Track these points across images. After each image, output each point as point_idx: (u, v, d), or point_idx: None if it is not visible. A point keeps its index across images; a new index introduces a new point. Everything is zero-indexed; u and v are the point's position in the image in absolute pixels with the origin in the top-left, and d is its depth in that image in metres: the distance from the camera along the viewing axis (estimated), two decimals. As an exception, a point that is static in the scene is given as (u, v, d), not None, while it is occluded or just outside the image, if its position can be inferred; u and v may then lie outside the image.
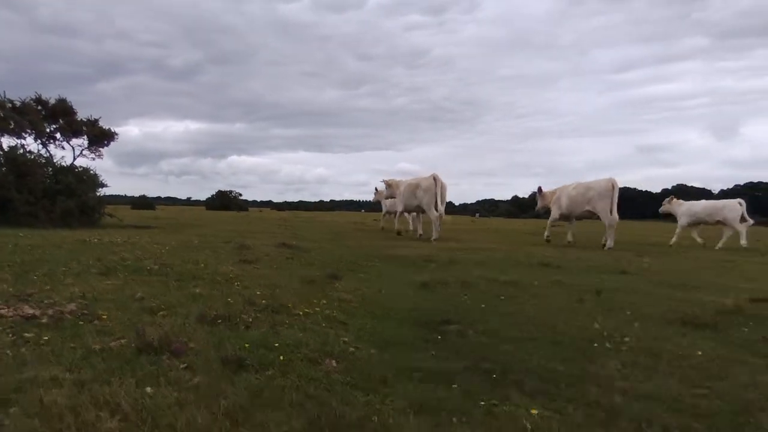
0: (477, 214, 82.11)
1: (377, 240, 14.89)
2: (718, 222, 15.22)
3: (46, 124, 16.83)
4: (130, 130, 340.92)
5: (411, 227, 15.39)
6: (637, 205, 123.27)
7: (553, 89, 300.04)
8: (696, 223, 15.79)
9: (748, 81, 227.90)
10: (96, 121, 17.88)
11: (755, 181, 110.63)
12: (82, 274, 5.80)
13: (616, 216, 12.99)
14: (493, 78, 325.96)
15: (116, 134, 18.22)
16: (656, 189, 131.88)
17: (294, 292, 5.53)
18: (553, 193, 14.90)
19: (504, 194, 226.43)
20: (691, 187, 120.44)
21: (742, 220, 14.64)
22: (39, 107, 17.15)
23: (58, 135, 17.74)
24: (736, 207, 14.91)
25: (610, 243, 12.93)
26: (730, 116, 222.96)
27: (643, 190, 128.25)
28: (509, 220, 60.16)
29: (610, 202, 12.88)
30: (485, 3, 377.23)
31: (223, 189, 75.17)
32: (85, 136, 17.81)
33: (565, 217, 14.41)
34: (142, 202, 50.03)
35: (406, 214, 15.73)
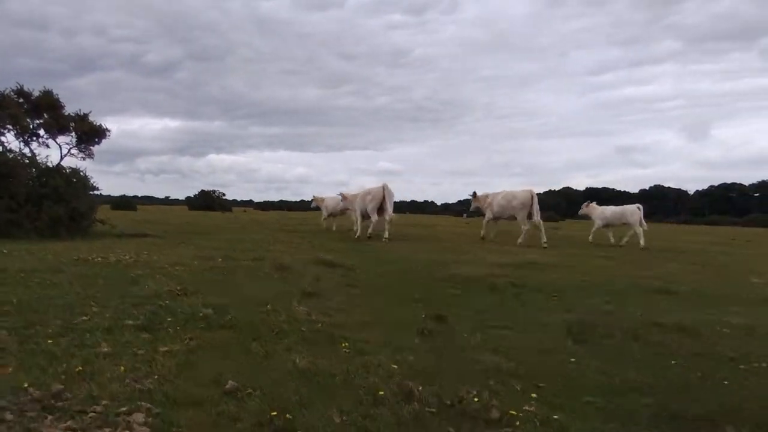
0: (465, 215, 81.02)
1: (404, 251, 13.24)
2: (624, 224, 17.38)
3: (28, 120, 14.66)
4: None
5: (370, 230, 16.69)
6: (618, 203, 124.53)
7: (532, 90, 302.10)
8: (607, 225, 17.91)
9: (721, 84, 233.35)
10: (85, 116, 15.75)
11: (729, 182, 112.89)
12: (116, 332, 4.00)
13: (538, 219, 15.53)
14: (473, 78, 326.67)
15: (108, 131, 16.14)
16: (634, 189, 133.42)
17: (432, 354, 3.86)
18: (486, 197, 17.17)
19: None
20: (668, 188, 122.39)
21: (641, 222, 16.62)
22: (20, 100, 14.97)
23: (41, 131, 15.59)
24: (635, 211, 16.96)
25: (544, 239, 15.15)
26: (703, 118, 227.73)
27: (622, 190, 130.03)
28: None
29: (529, 210, 15.39)
30: (465, 4, 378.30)
31: (203, 188, 72.72)
32: (73, 133, 15.68)
33: (494, 219, 16.99)
34: (123, 203, 46.94)
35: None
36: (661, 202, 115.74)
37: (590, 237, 18.18)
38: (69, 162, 15.84)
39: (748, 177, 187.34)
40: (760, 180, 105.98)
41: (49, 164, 14.36)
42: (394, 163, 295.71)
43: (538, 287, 7.56)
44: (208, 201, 66.45)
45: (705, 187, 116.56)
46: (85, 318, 4.36)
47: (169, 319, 4.44)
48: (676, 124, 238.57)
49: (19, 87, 14.82)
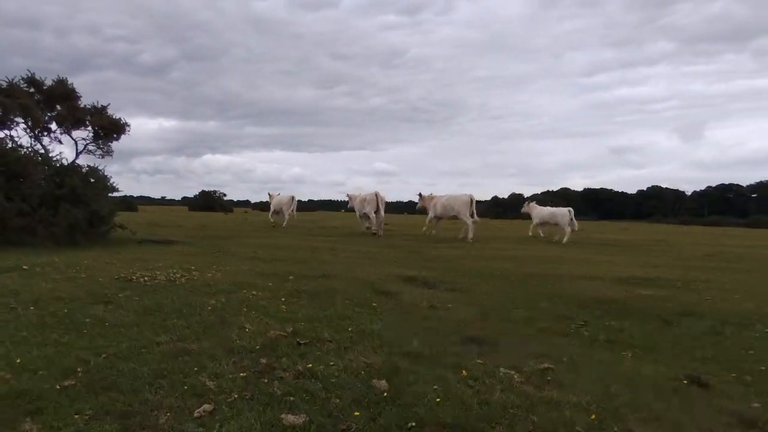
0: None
1: (480, 261, 11.56)
2: (555, 224, 19.06)
3: (41, 111, 12.80)
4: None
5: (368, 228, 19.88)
6: (615, 205, 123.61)
7: (527, 91, 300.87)
8: (543, 223, 19.75)
9: (715, 85, 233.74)
10: (104, 108, 13.89)
11: (726, 183, 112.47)
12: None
13: (477, 218, 17.76)
14: (468, 79, 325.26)
15: (128, 125, 14.29)
16: (632, 190, 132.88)
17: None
18: (432, 198, 19.06)
19: (481, 194, 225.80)
20: (666, 188, 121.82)
21: (570, 223, 18.46)
22: (31, 89, 13.11)
23: (53, 126, 13.73)
24: (566, 213, 18.66)
25: (470, 235, 17.03)
26: (697, 119, 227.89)
27: (619, 191, 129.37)
28: (515, 222, 57.30)
29: (469, 211, 17.23)
30: (460, 5, 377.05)
31: (199, 188, 71.13)
32: (90, 128, 13.83)
33: (438, 218, 18.91)
34: (123, 203, 44.58)
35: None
36: (659, 202, 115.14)
37: (530, 232, 20.72)
38: (84, 160, 14.04)
39: (742, 178, 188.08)
40: (758, 181, 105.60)
41: (65, 162, 12.51)
42: (389, 163, 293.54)
43: (704, 314, 5.91)
44: (208, 201, 64.65)
45: (702, 187, 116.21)
46: (204, 411, 2.64)
47: (337, 400, 2.74)
48: (670, 125, 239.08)
49: (30, 75, 12.96)
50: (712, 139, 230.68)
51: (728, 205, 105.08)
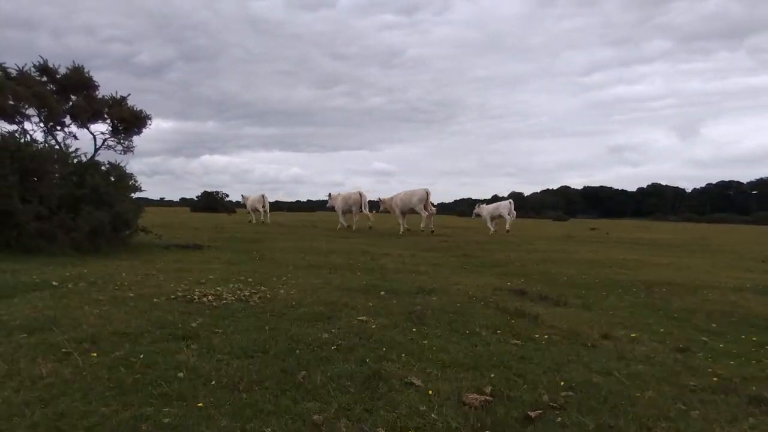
0: (475, 215, 78.14)
1: (570, 266, 10.19)
2: (500, 216, 21.35)
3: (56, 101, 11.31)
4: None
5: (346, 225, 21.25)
6: (615, 203, 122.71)
7: (525, 90, 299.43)
8: (493, 218, 21.65)
9: (711, 83, 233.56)
10: (123, 99, 12.42)
11: (727, 180, 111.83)
12: None
13: (433, 210, 19.14)
14: (466, 79, 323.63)
15: (149, 119, 12.81)
16: (630, 188, 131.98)
17: None
18: (391, 199, 20.00)
19: (481, 194, 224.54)
20: (666, 186, 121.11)
21: (510, 213, 20.81)
22: (43, 78, 11.62)
23: (67, 119, 12.24)
24: (507, 205, 21.11)
25: (431, 226, 18.70)
26: (693, 117, 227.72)
27: (620, 189, 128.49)
28: (526, 221, 55.88)
29: (425, 203, 18.32)
30: (457, 4, 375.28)
31: (199, 189, 70.05)
32: (109, 121, 12.35)
33: (401, 213, 19.57)
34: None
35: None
36: (659, 200, 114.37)
37: (490, 232, 21.63)
38: (103, 157, 12.58)
39: (738, 175, 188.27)
40: (758, 178, 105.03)
41: (83, 158, 11.02)
42: (388, 163, 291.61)
43: None
44: (210, 202, 62.98)
45: (700, 185, 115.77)
46: None
47: None
48: (667, 124, 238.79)
49: (42, 62, 11.46)
50: (709, 136, 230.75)
51: (728, 202, 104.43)
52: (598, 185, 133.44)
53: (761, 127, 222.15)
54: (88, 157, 11.43)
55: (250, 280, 6.86)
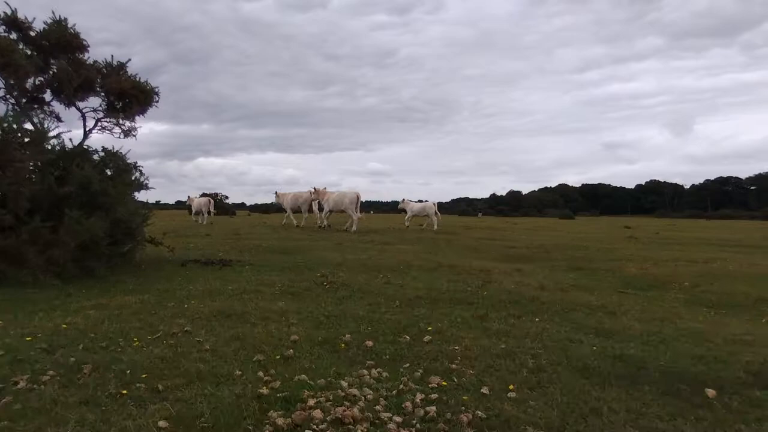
0: (480, 214, 75.28)
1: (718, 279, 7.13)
2: (425, 216, 22.02)
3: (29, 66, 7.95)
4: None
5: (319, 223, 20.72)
6: (614, 201, 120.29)
7: (519, 89, 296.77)
8: (416, 215, 22.44)
9: (704, 80, 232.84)
10: (122, 66, 9.09)
11: (725, 175, 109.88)
12: None
13: (361, 215, 19.48)
14: (460, 78, 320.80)
15: (157, 93, 9.51)
16: (629, 185, 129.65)
17: None
18: (324, 194, 20.06)
19: (478, 192, 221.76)
20: (664, 183, 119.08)
21: (436, 214, 21.73)
22: (12, 34, 8.28)
23: (47, 94, 8.91)
24: (431, 206, 21.88)
25: (354, 228, 18.32)
26: (687, 114, 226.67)
27: (618, 186, 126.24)
28: (536, 219, 53.07)
29: (356, 206, 18.87)
30: (449, 3, 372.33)
31: (199, 192, 66.97)
32: (103, 94, 9.03)
33: (330, 212, 19.83)
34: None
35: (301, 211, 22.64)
36: (658, 197, 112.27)
37: (423, 227, 22.37)
38: (96, 142, 9.24)
39: (731, 171, 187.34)
40: (756, 173, 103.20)
41: (70, 144, 7.70)
42: (383, 163, 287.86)
43: None
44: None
45: (697, 181, 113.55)
46: None
47: None
48: (661, 120, 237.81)
49: (10, 13, 8.11)
50: (702, 133, 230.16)
51: (728, 198, 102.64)
52: (596, 182, 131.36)
53: (754, 123, 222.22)
54: (76, 143, 8.09)
55: (370, 344, 3.67)
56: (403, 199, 23.79)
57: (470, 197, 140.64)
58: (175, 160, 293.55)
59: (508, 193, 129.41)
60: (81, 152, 7.76)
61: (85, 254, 6.82)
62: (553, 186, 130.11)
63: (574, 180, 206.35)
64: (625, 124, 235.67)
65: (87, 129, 8.93)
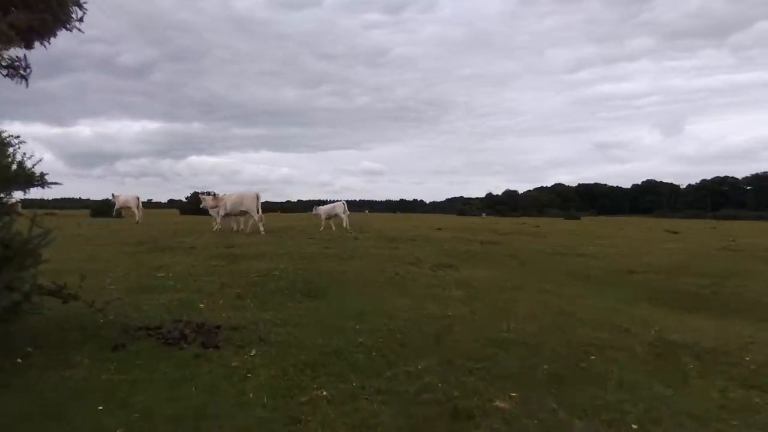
0: (484, 214, 71.17)
1: None
2: (336, 215, 21.24)
3: None
4: (81, 131, 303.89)
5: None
6: (611, 200, 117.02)
7: (512, 89, 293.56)
8: (329, 217, 21.28)
9: (695, 80, 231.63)
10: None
11: (721, 175, 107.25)
12: None
13: (262, 215, 18.13)
14: (453, 77, 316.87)
15: (84, 7, 5.01)
16: (623, 184, 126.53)
17: None
18: (222, 198, 18.99)
19: (472, 192, 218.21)
20: (661, 182, 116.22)
21: (345, 212, 21.23)
22: None
23: None
24: (341, 206, 21.31)
25: (261, 230, 17.45)
26: (678, 114, 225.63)
27: (614, 185, 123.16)
28: (557, 220, 48.92)
29: (256, 206, 17.78)
30: (442, 3, 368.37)
31: (188, 190, 61.69)
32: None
33: (227, 215, 18.81)
34: (108, 207, 29.93)
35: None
36: (655, 197, 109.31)
37: (320, 229, 21.31)
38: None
39: (722, 171, 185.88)
40: (753, 173, 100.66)
41: None
42: (377, 162, 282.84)
43: None
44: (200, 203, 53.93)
45: (698, 180, 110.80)
46: None
47: None
48: (652, 121, 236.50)
49: None
50: (693, 133, 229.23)
51: (724, 197, 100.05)
52: (593, 182, 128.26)
53: (745, 124, 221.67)
54: None
55: None
56: (315, 207, 24.11)
57: (465, 196, 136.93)
58: (168, 158, 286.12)
59: (504, 193, 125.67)
60: None
61: None
62: (549, 185, 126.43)
63: (567, 179, 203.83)
64: (617, 124, 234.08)
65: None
